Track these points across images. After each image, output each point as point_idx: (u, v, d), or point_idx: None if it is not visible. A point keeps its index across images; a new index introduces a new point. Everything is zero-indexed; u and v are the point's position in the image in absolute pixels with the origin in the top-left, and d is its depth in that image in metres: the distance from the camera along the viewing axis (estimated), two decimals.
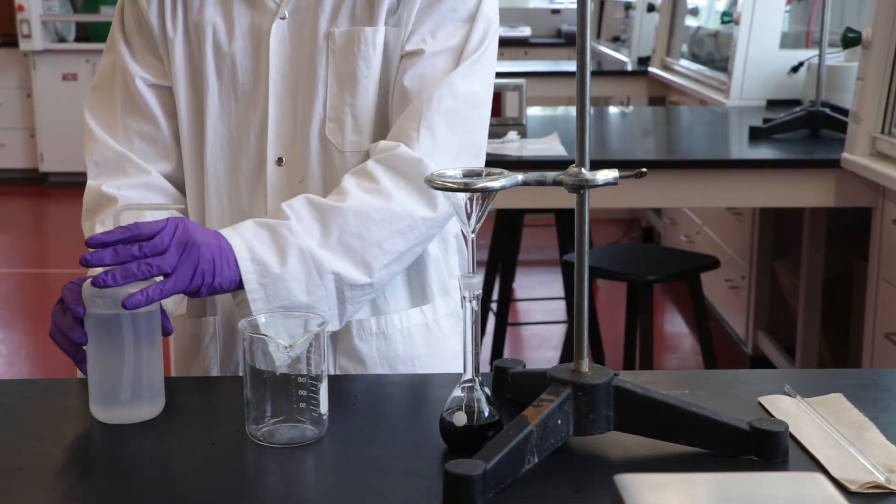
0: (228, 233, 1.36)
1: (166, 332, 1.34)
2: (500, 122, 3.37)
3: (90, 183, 1.53)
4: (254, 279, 1.34)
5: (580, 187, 1.13)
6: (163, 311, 1.33)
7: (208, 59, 1.50)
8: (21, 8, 7.91)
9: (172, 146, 1.56)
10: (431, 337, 1.58)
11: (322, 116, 1.49)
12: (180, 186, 1.58)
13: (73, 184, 8.18)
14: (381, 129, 1.50)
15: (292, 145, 1.50)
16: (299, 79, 1.49)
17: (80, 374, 1.36)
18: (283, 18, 1.48)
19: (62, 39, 8.40)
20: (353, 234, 1.38)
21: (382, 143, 1.45)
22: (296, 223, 1.37)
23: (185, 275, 1.28)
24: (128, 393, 1.26)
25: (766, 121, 3.61)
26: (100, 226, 1.49)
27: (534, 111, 4.17)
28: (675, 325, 4.99)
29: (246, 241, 1.35)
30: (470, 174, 1.13)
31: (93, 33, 8.49)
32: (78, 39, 8.53)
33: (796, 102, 4.16)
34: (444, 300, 1.59)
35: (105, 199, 1.51)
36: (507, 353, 4.21)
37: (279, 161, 1.50)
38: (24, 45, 7.96)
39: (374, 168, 1.42)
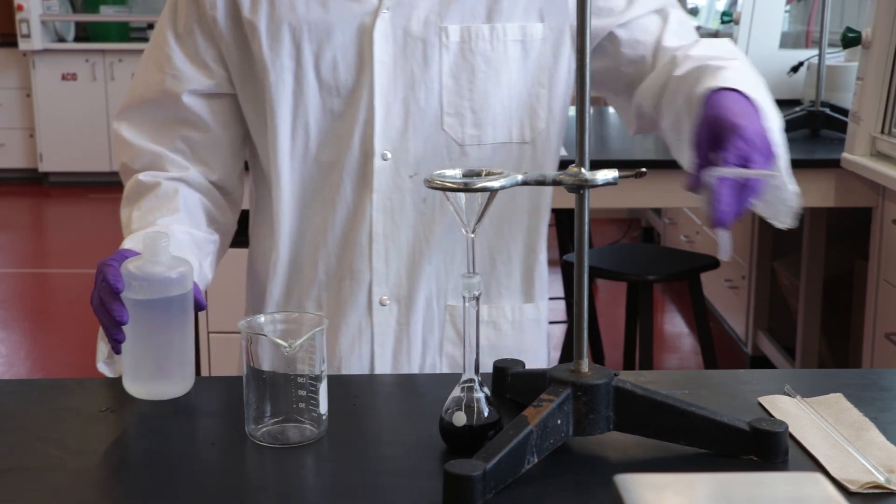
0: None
1: (200, 308, 1.34)
2: None
3: (129, 180, 1.52)
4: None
5: (580, 187, 1.13)
6: (196, 287, 1.34)
7: (306, 55, 1.46)
8: (20, 8, 7.91)
9: (220, 153, 1.54)
10: (540, 333, 1.60)
11: (438, 111, 1.48)
12: (224, 189, 1.56)
13: (73, 184, 8.18)
14: (504, 120, 1.50)
15: (400, 140, 1.48)
16: (407, 73, 1.47)
17: (100, 360, 1.37)
18: (385, 11, 1.46)
19: (62, 39, 8.39)
20: None
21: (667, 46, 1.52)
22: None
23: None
24: (160, 370, 1.31)
25: None
26: (137, 212, 1.48)
27: None
28: (675, 325, 4.99)
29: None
30: (470, 174, 1.13)
31: (92, 33, 8.49)
32: (77, 39, 8.52)
33: (796, 102, 4.16)
34: (546, 300, 1.61)
35: (144, 186, 1.50)
36: None
37: (384, 156, 1.48)
38: (23, 44, 7.96)
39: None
